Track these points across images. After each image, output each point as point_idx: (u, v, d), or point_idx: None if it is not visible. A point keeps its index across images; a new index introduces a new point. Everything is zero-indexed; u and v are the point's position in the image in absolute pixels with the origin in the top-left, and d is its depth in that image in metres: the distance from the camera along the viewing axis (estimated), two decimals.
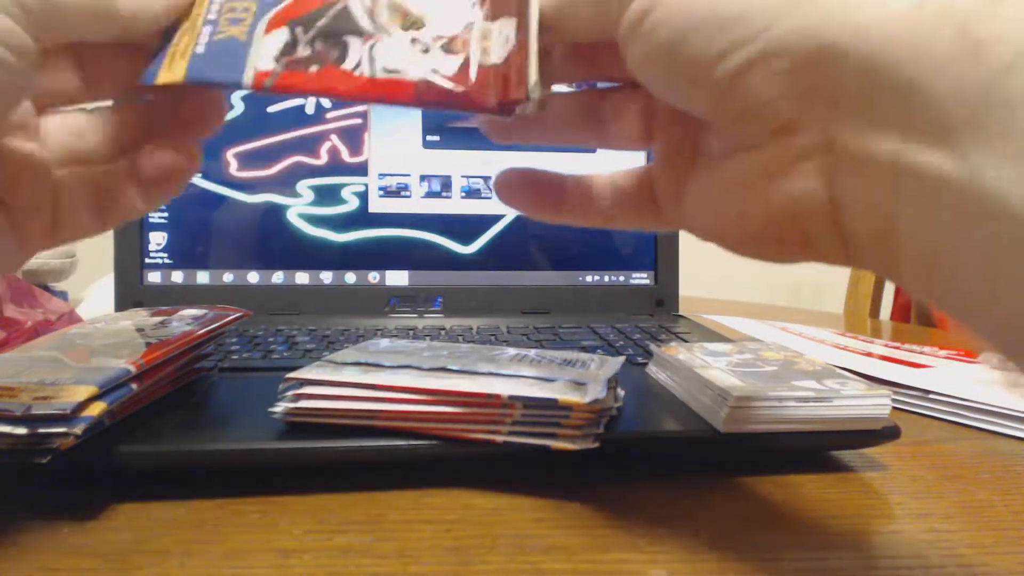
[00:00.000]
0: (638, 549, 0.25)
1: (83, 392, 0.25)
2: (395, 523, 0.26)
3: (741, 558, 0.24)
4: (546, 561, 0.24)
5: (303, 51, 0.21)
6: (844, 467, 0.33)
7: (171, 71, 0.21)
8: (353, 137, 0.59)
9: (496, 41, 0.21)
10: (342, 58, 0.21)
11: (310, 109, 0.58)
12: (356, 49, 0.21)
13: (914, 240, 0.16)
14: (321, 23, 0.22)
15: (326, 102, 0.58)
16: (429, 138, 0.60)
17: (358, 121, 0.59)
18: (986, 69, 0.14)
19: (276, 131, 0.58)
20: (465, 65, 0.21)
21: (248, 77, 0.21)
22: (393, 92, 0.21)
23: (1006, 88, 0.14)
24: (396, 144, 0.59)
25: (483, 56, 0.21)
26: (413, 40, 0.22)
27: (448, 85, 0.21)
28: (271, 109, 0.58)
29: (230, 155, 0.58)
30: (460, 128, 0.60)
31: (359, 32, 0.22)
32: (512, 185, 0.26)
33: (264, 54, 0.21)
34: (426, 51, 0.21)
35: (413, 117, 0.60)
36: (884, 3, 0.16)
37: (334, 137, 0.59)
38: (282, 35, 0.22)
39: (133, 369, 0.28)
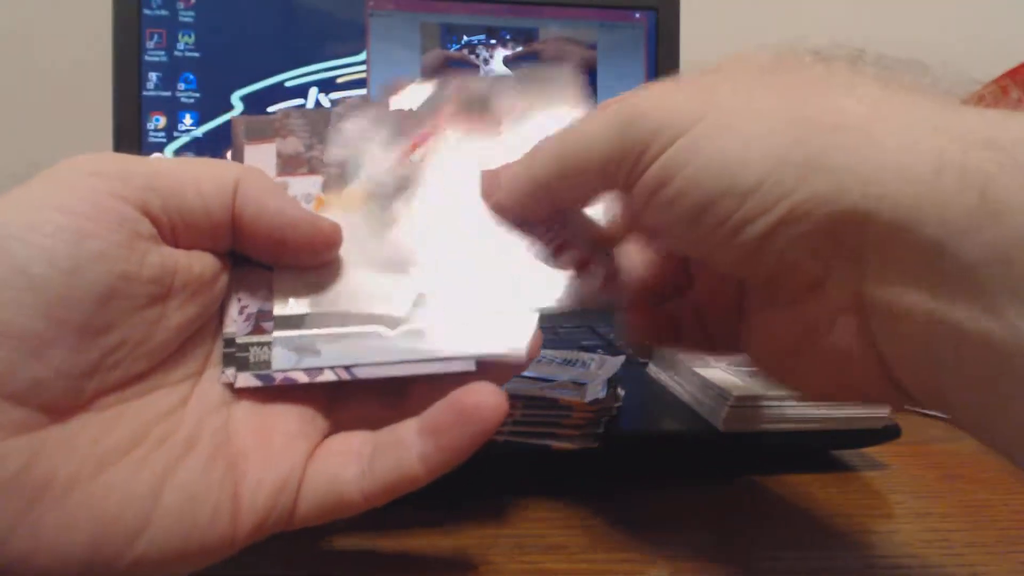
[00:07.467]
0: (638, 549, 0.25)
1: None
2: (394, 524, 0.26)
3: (741, 558, 0.24)
4: (546, 561, 0.24)
5: None
6: (844, 467, 0.33)
7: None
8: None
9: None
10: None
11: (310, 105, 0.58)
12: None
13: (960, 394, 0.16)
14: None
15: (326, 101, 0.58)
16: None
17: None
18: (1008, 231, 0.14)
19: None
20: None
21: None
22: None
23: None
24: None
25: None
26: None
27: None
28: (270, 109, 0.58)
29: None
30: None
31: None
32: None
33: None
34: None
35: None
36: (903, 169, 0.16)
37: None
38: None
39: None
